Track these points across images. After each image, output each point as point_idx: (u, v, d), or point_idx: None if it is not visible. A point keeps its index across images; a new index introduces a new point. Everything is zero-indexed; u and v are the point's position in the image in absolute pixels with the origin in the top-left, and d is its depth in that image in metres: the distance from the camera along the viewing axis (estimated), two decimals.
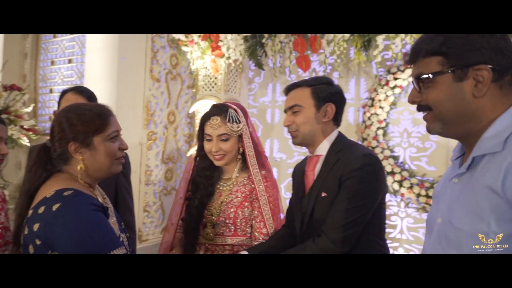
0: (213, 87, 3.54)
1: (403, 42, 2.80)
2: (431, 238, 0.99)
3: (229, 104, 1.74)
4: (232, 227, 1.70)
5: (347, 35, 2.86)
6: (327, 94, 1.60)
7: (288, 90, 1.68)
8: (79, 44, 3.73)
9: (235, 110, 1.70)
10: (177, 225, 1.80)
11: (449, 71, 0.92)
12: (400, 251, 3.29)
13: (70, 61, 3.80)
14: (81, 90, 2.04)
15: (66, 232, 1.05)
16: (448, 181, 1.00)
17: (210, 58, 3.42)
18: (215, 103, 1.79)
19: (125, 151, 1.28)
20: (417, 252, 3.24)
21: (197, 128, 3.62)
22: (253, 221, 1.72)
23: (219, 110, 1.71)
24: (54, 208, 1.07)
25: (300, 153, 3.77)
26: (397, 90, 3.26)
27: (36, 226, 1.08)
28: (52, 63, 3.92)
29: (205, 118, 1.73)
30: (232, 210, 1.70)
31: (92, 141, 1.20)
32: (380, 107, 3.33)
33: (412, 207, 3.27)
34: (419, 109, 1.01)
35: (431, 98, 0.95)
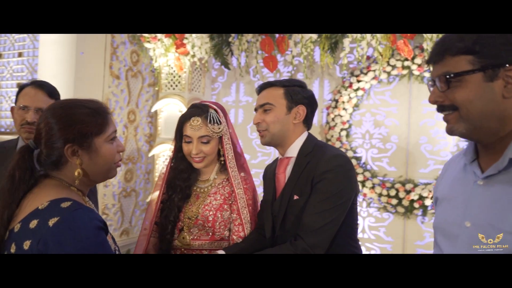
0: (176, 85, 3.45)
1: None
2: (457, 243, 0.98)
3: (209, 103, 1.67)
4: (210, 231, 1.63)
5: (314, 37, 2.88)
6: (300, 97, 1.60)
7: (261, 88, 1.66)
8: (31, 36, 3.50)
9: (215, 110, 1.64)
10: (151, 230, 1.70)
11: (480, 71, 0.91)
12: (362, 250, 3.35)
13: (20, 54, 3.55)
14: (41, 85, 1.89)
15: (64, 253, 0.91)
16: (473, 184, 0.99)
17: (174, 55, 3.32)
18: (194, 102, 1.71)
19: None
20: (378, 250, 3.33)
21: (159, 128, 3.54)
22: (232, 224, 1.66)
23: (199, 110, 1.63)
24: (51, 223, 0.92)
25: (263, 154, 3.76)
26: (360, 92, 3.34)
27: (27, 244, 0.93)
28: (0, 56, 3.64)
29: (185, 118, 1.65)
30: (211, 213, 1.63)
31: (93, 143, 1.07)
32: (344, 108, 3.39)
33: (373, 206, 3.35)
34: (441, 109, 0.99)
35: (459, 98, 0.94)
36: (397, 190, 3.19)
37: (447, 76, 0.94)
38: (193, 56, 3.26)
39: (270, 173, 1.70)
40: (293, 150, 1.59)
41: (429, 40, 2.63)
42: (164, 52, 3.31)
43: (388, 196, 3.21)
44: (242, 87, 3.84)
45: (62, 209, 0.95)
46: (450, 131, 0.99)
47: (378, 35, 2.70)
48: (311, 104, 1.63)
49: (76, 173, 1.05)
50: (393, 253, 3.24)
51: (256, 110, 1.63)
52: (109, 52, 3.32)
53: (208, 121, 1.61)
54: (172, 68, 3.42)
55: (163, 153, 3.50)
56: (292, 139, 1.60)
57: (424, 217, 3.17)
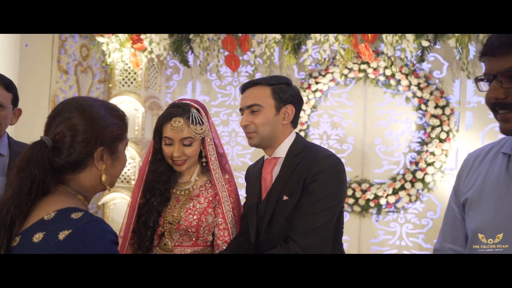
0: (131, 82, 3.28)
1: (330, 47, 2.90)
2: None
3: (190, 102, 1.57)
4: (194, 236, 1.55)
5: (278, 37, 2.87)
6: (288, 96, 1.54)
7: (245, 87, 1.58)
8: None
9: (197, 109, 1.55)
10: (128, 237, 1.58)
11: None
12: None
13: None
14: None
15: None
16: None
17: (129, 51, 3.15)
18: (174, 101, 1.60)
19: None
20: None
21: None
22: (216, 229, 1.58)
23: (181, 110, 1.53)
24: (61, 236, 0.80)
25: None
26: (318, 94, 3.38)
27: None
28: None
29: (165, 118, 1.53)
30: (195, 217, 1.54)
31: (118, 148, 0.98)
32: (302, 109, 3.42)
33: None
34: (500, 106, 0.92)
35: None
36: (354, 190, 3.28)
37: None
38: (151, 52, 3.13)
39: (254, 173, 1.63)
40: (282, 151, 1.54)
41: (389, 45, 2.72)
42: (119, 47, 3.13)
43: None
44: (199, 86, 3.74)
45: (73, 220, 0.83)
46: (508, 131, 0.93)
47: (341, 38, 2.75)
48: (298, 102, 1.58)
49: (103, 179, 0.95)
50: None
51: (241, 110, 1.56)
52: (56, 45, 3.09)
53: (190, 121, 1.52)
54: (127, 64, 3.25)
55: None
56: (281, 139, 1.54)
57: (378, 216, 3.29)
